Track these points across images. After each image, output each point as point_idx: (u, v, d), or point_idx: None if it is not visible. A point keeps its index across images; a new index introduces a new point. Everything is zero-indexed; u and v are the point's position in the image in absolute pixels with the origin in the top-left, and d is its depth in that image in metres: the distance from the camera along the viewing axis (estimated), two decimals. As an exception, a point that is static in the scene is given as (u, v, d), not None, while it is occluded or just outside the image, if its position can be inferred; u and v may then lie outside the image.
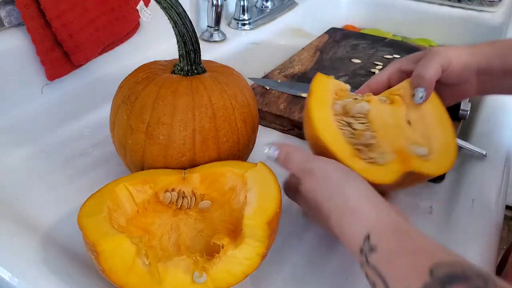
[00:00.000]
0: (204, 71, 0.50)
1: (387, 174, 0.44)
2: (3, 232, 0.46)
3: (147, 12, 0.78)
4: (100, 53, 0.73)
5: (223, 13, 0.95)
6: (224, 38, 0.95)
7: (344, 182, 0.39)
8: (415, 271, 0.30)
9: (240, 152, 0.49)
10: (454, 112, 0.65)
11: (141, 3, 0.76)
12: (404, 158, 0.46)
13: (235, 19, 1.01)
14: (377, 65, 0.81)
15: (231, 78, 0.49)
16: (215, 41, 0.93)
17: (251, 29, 1.00)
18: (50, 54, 0.64)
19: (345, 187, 0.38)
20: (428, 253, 0.32)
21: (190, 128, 0.45)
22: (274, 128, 0.66)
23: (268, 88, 0.71)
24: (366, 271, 0.35)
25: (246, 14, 1.00)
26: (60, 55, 0.66)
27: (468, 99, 0.71)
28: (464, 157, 0.59)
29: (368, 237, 0.35)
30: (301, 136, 0.61)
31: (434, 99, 0.51)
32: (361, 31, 1.13)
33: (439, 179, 0.56)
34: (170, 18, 0.46)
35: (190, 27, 0.46)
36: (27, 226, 0.47)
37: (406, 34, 1.21)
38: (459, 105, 0.65)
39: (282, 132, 0.65)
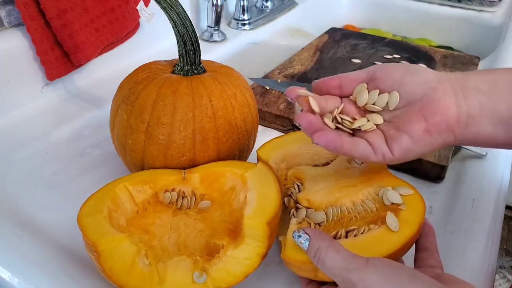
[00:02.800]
0: (204, 71, 0.50)
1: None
2: (3, 232, 0.46)
3: (147, 12, 0.78)
4: (100, 53, 0.73)
5: (223, 13, 0.95)
6: (224, 38, 0.95)
7: None
8: None
9: (240, 152, 0.49)
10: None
11: (141, 3, 0.76)
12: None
13: (235, 19, 1.01)
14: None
15: (231, 78, 0.49)
16: (215, 41, 0.93)
17: (251, 29, 1.00)
18: (50, 54, 0.64)
19: None
20: None
21: (190, 128, 0.45)
22: (274, 128, 0.66)
23: (268, 88, 0.71)
24: None
25: (246, 14, 1.00)
26: (60, 55, 0.66)
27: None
28: (464, 157, 0.59)
29: None
30: (301, 136, 0.61)
31: None
32: (361, 31, 1.13)
33: (438, 179, 0.56)
34: (170, 18, 0.46)
35: (190, 27, 0.46)
36: (27, 226, 0.47)
37: (406, 34, 1.21)
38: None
39: (282, 132, 0.65)
